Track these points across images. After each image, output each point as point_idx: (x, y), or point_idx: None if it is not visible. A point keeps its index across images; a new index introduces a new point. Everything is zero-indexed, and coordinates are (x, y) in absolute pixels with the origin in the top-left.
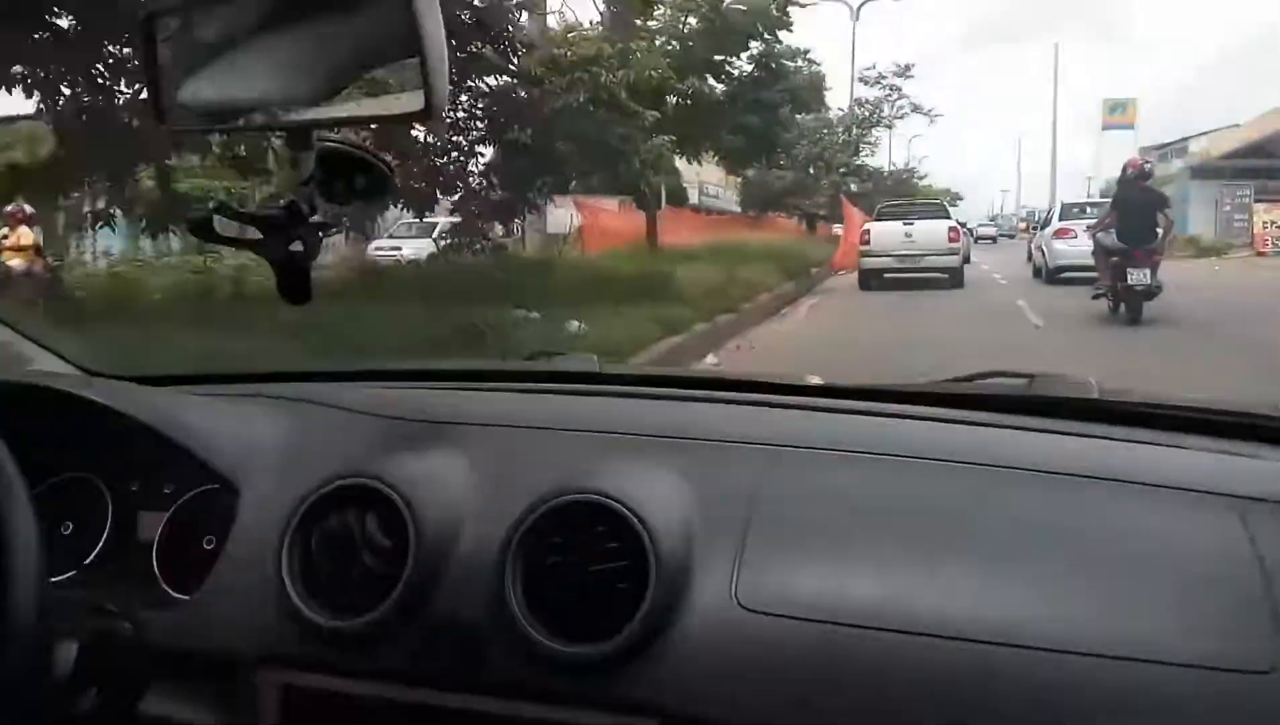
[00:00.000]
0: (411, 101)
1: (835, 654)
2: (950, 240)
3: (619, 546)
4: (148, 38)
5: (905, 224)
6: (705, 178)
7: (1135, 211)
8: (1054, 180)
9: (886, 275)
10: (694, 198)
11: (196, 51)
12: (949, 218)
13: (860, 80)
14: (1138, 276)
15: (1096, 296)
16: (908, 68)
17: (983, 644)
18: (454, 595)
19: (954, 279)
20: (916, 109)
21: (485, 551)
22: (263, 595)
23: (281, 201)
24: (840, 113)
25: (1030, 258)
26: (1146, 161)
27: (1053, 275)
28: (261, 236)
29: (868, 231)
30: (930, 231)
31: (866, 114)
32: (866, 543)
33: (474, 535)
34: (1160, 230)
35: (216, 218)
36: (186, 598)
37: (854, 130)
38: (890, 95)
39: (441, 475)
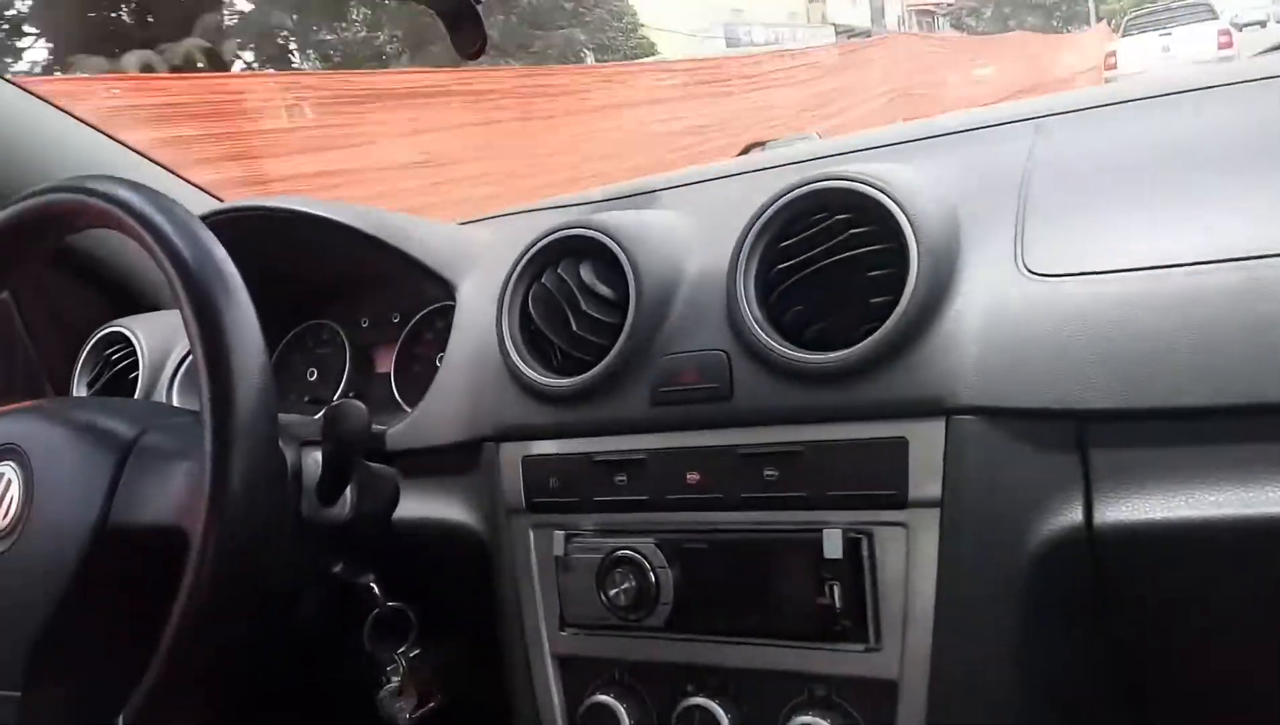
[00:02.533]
0: None
1: (1149, 301)
2: (1221, 46)
3: (871, 230)
4: None
5: (1161, 35)
6: None
7: None
8: None
9: None
10: None
11: None
12: (1216, 17)
13: None
14: None
15: None
16: None
17: None
18: (685, 330)
19: None
20: None
21: (713, 273)
22: (489, 377)
23: None
24: None
25: None
26: None
27: None
28: None
29: (1113, 55)
30: (1195, 41)
31: None
32: (1162, 182)
33: (699, 265)
34: None
35: None
36: (417, 409)
37: None
38: None
39: (658, 222)
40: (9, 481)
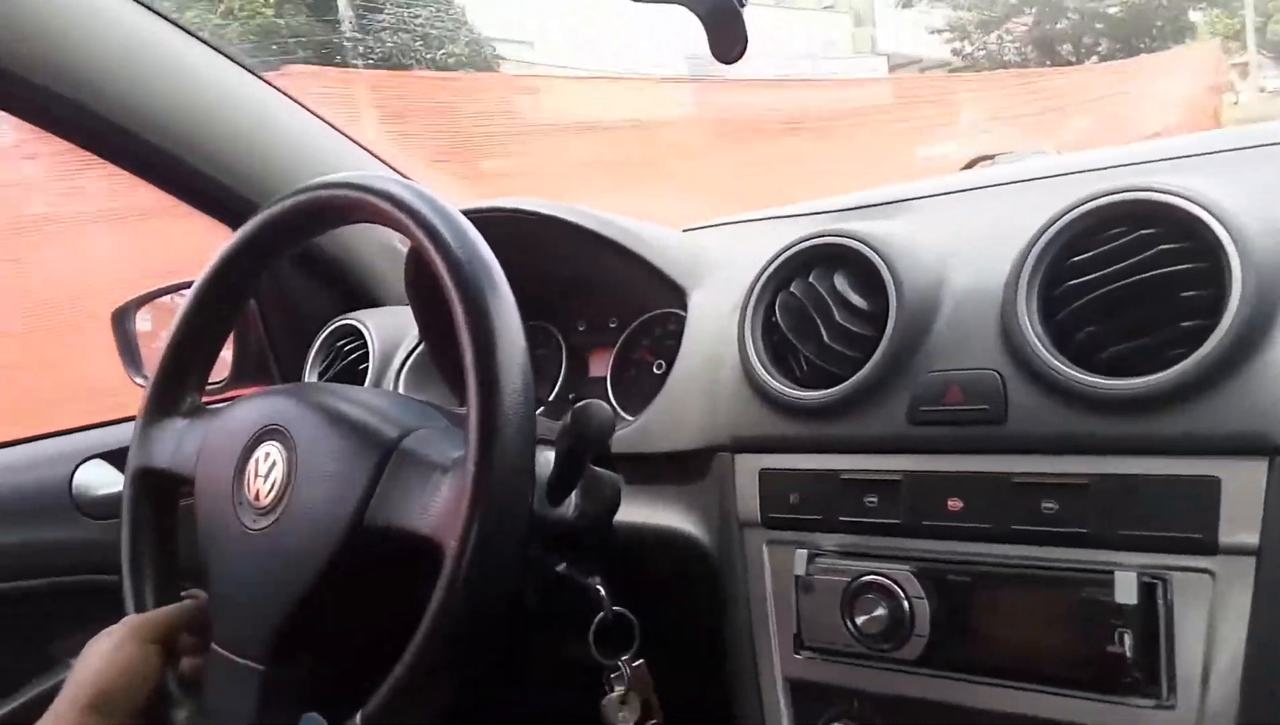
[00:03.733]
0: None
1: None
2: None
3: (1182, 247)
4: None
5: None
6: None
7: None
8: None
9: None
10: None
11: None
12: None
13: None
14: None
15: None
16: None
17: None
18: (949, 347)
19: None
20: None
21: (984, 288)
22: (725, 386)
23: None
24: None
25: None
26: None
27: None
28: None
29: None
30: None
31: None
32: None
33: (966, 279)
34: None
35: None
36: (645, 414)
37: None
38: None
39: (912, 233)
40: (274, 462)
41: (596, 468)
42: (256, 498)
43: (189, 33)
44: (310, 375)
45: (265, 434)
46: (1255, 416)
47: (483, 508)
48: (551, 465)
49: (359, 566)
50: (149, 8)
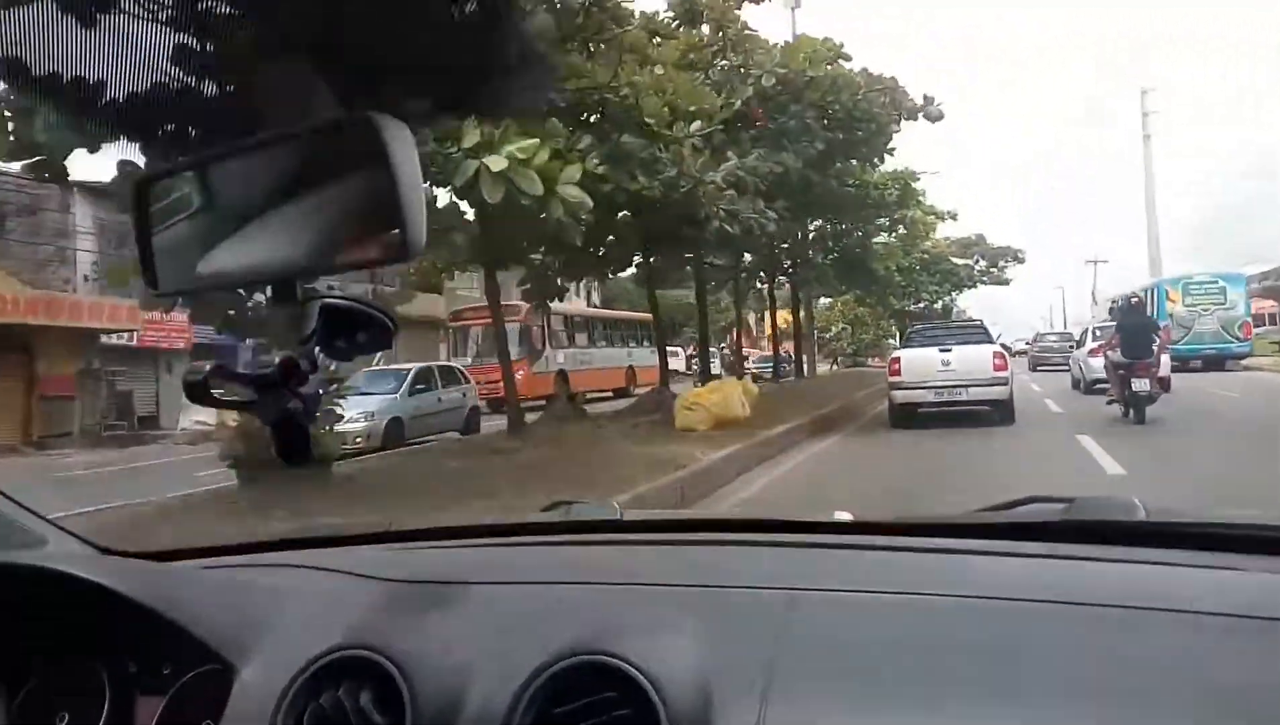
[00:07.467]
0: (390, 243)
1: None
2: (996, 368)
3: (631, 711)
4: (139, 205)
5: (941, 350)
6: None
7: (1133, 332)
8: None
9: (921, 410)
10: None
11: (184, 216)
12: (992, 341)
13: None
14: (1140, 385)
15: (1110, 403)
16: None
17: None
18: None
19: (1002, 414)
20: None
21: (491, 715)
22: None
23: (276, 360)
24: None
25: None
26: (1135, 296)
27: (1090, 387)
28: (255, 398)
29: (897, 360)
30: (971, 358)
31: None
32: (898, 683)
33: (479, 702)
34: (1155, 347)
35: (212, 380)
36: None
37: None
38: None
39: (446, 640)
40: None
41: None
42: None
43: None
44: None
45: None
46: None
47: None
48: None
49: None
50: None
